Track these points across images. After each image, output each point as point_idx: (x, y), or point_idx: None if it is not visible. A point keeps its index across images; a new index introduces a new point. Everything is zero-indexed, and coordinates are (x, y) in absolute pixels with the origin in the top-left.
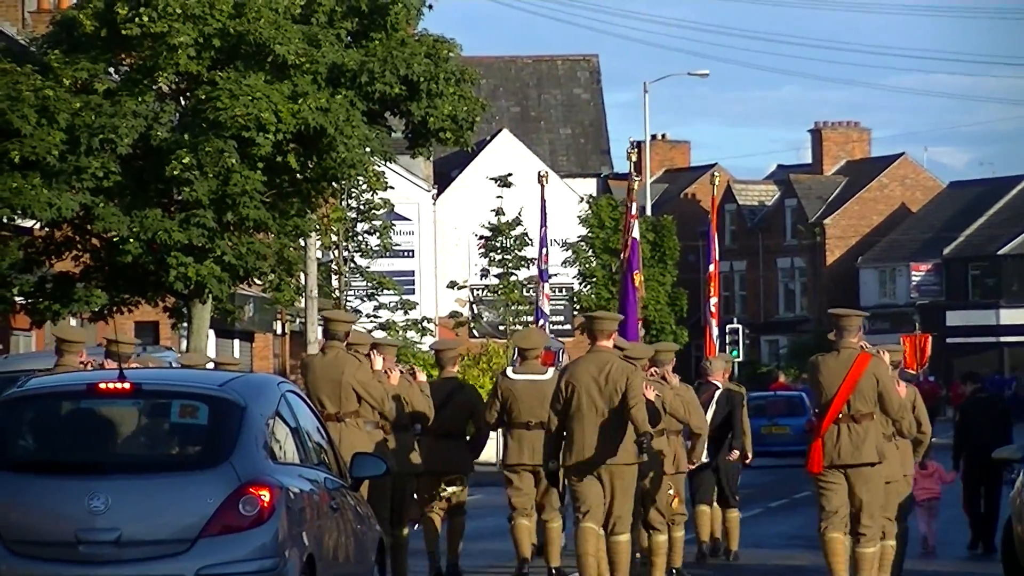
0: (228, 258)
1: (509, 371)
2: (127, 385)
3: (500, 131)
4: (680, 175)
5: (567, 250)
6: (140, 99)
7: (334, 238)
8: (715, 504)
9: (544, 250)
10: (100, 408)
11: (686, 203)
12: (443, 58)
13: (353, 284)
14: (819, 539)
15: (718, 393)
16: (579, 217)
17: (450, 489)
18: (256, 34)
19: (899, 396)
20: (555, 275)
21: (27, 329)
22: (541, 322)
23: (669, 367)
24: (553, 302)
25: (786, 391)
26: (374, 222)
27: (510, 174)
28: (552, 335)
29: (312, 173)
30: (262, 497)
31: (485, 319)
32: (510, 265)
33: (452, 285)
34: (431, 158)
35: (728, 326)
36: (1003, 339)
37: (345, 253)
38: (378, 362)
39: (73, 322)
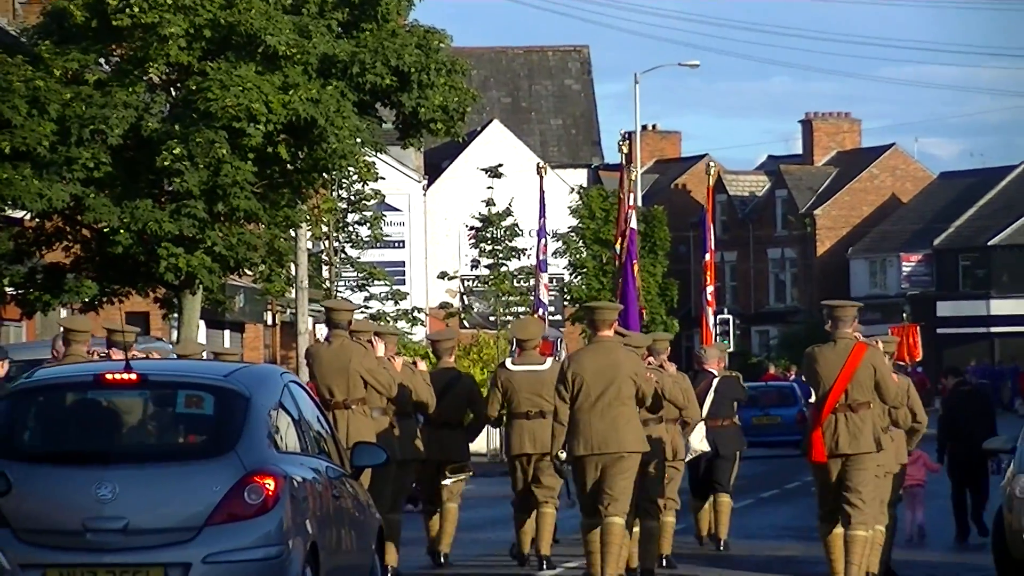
0: (219, 249)
1: (508, 362)
2: (134, 376)
3: (491, 122)
4: (671, 166)
5: (558, 241)
6: (131, 90)
7: (324, 229)
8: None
9: (543, 240)
10: (107, 399)
11: (677, 194)
12: (434, 49)
13: (344, 275)
14: (819, 533)
15: (716, 381)
16: (570, 208)
17: (453, 477)
18: (247, 25)
19: (896, 384)
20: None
21: (18, 320)
22: (540, 311)
23: (664, 355)
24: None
25: (777, 382)
26: (365, 213)
27: (500, 165)
28: (550, 326)
29: (303, 164)
30: (267, 486)
31: (476, 310)
32: (500, 256)
33: (443, 276)
34: (422, 149)
35: (719, 317)
36: (993, 330)
37: (336, 244)
38: (380, 348)
39: (64, 313)
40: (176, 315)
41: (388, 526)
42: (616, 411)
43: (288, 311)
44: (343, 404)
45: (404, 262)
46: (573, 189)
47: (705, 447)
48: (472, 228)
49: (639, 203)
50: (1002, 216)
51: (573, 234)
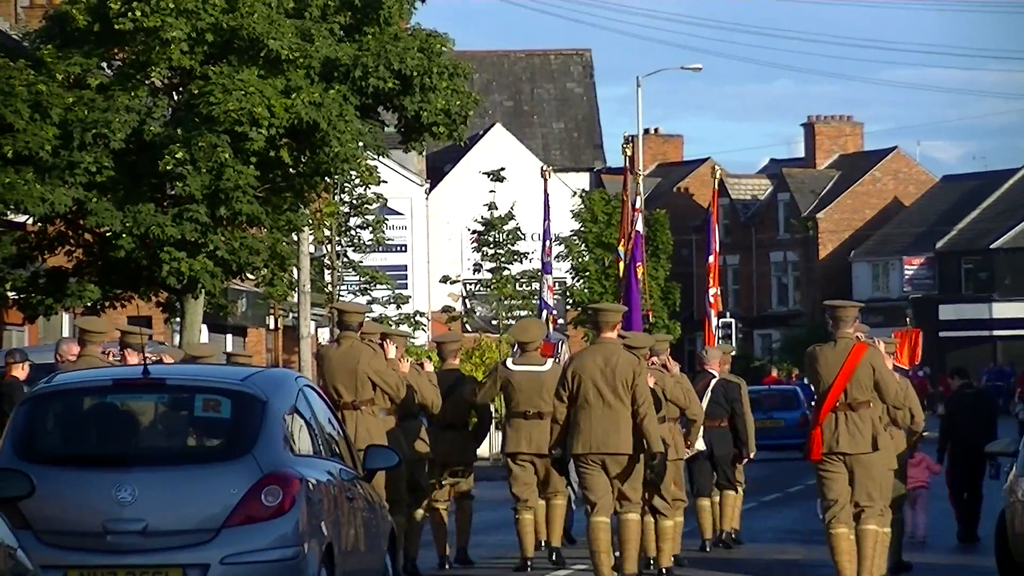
0: (221, 253)
1: (509, 362)
2: (152, 380)
3: (493, 125)
4: (673, 169)
5: (560, 244)
6: (133, 94)
7: (327, 233)
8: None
9: (547, 243)
10: (126, 402)
11: (679, 197)
12: (436, 52)
13: (346, 279)
14: (824, 532)
15: (714, 382)
16: (572, 211)
17: (453, 480)
18: (249, 29)
19: (896, 383)
20: None
21: (20, 324)
22: (545, 314)
23: (666, 356)
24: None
25: (780, 385)
26: (367, 216)
27: (503, 168)
28: (556, 328)
29: (305, 168)
30: (283, 488)
31: (478, 313)
32: (503, 259)
33: (445, 279)
34: (424, 152)
35: (721, 320)
36: (996, 333)
37: (338, 248)
38: (391, 351)
39: (66, 317)
40: (178, 319)
41: (408, 522)
42: (616, 412)
43: (290, 315)
44: (352, 405)
45: (406, 266)
46: (575, 193)
47: (700, 446)
48: (474, 232)
49: (641, 207)
50: (1005, 219)
51: (575, 238)
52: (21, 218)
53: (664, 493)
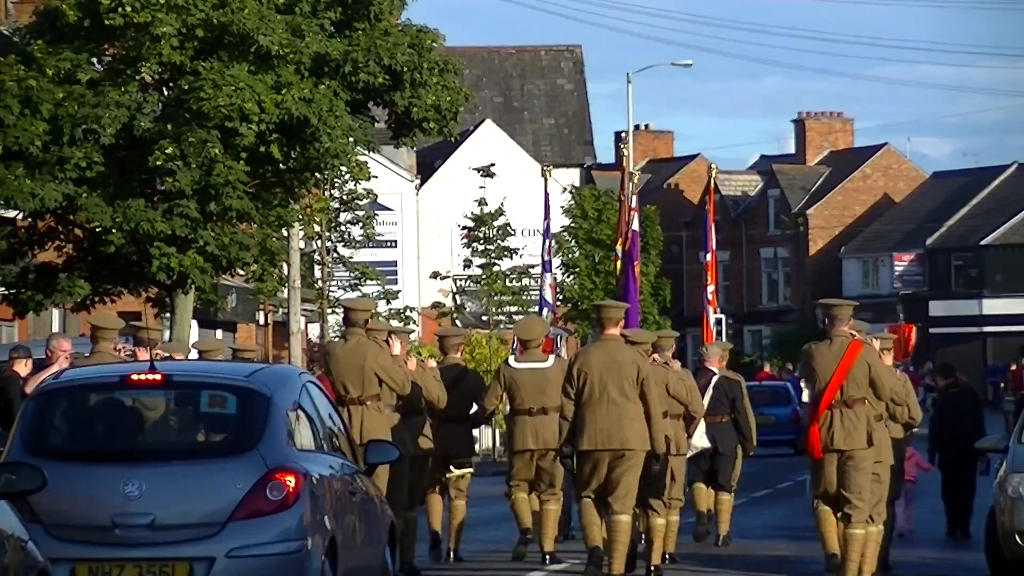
0: (211, 248)
1: (511, 360)
2: (158, 377)
3: (483, 121)
4: (663, 166)
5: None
6: (123, 89)
7: (317, 228)
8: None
9: (547, 242)
10: (133, 399)
11: (669, 193)
12: (426, 48)
13: (336, 274)
14: (811, 512)
15: (715, 379)
16: (562, 208)
17: (457, 472)
18: (240, 24)
19: (891, 381)
20: (537, 265)
21: (10, 320)
22: (545, 311)
23: (669, 352)
24: (537, 292)
25: (772, 381)
26: (357, 212)
27: (493, 164)
28: (559, 326)
29: (295, 163)
30: (288, 483)
31: (468, 309)
32: (493, 255)
33: (435, 275)
34: (414, 148)
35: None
36: (986, 329)
37: (328, 243)
38: (396, 347)
39: (56, 313)
40: (168, 315)
41: (405, 523)
42: (621, 408)
43: (280, 311)
44: (358, 400)
45: (396, 261)
46: (565, 189)
47: (705, 443)
48: (464, 228)
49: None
50: (995, 216)
51: (566, 234)
52: (11, 213)
53: (657, 491)
